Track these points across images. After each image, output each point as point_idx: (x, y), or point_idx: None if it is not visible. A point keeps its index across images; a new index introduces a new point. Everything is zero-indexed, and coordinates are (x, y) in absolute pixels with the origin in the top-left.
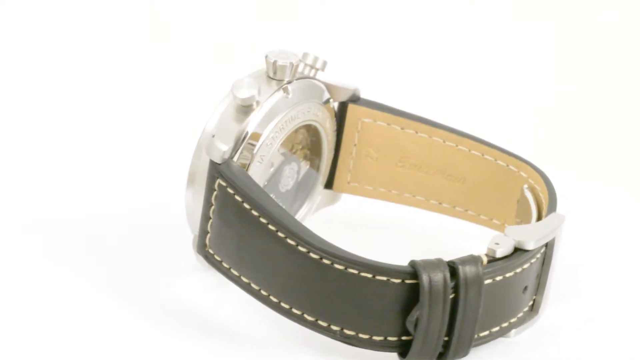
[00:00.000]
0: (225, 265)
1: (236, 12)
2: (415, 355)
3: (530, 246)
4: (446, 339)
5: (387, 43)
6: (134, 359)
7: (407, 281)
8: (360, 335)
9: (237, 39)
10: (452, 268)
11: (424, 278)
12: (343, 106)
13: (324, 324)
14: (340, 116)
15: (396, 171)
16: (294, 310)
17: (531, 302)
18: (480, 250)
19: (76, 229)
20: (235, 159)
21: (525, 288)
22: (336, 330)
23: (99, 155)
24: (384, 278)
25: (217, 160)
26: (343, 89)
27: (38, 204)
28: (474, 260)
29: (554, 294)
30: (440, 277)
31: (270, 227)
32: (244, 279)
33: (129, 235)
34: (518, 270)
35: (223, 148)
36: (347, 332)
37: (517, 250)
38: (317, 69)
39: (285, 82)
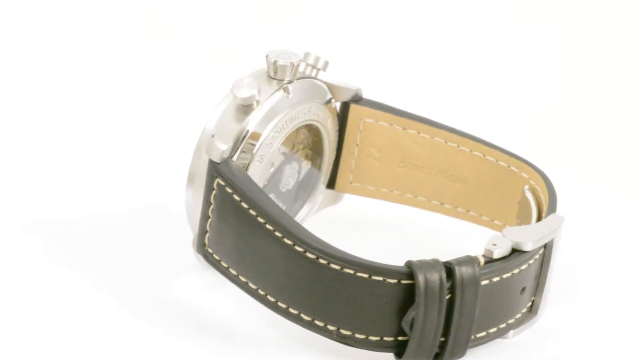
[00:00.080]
0: (223, 264)
1: (236, 12)
2: (411, 356)
3: (528, 247)
4: (442, 339)
5: (389, 43)
6: (134, 359)
7: (403, 281)
8: (357, 335)
9: (237, 39)
10: (449, 269)
11: (420, 278)
12: (345, 106)
13: (321, 324)
14: (342, 116)
15: (398, 171)
16: (291, 310)
17: (530, 303)
18: (480, 251)
19: (76, 229)
20: (234, 158)
21: (524, 289)
22: (332, 330)
23: (99, 155)
24: (380, 278)
25: (216, 159)
26: (345, 89)
27: (38, 204)
28: (470, 260)
29: (553, 294)
30: (436, 277)
31: (268, 226)
32: (242, 278)
33: (129, 235)
34: (515, 271)
35: (222, 147)
36: (343, 332)
37: (515, 251)
38: (318, 69)
39: (285, 82)
